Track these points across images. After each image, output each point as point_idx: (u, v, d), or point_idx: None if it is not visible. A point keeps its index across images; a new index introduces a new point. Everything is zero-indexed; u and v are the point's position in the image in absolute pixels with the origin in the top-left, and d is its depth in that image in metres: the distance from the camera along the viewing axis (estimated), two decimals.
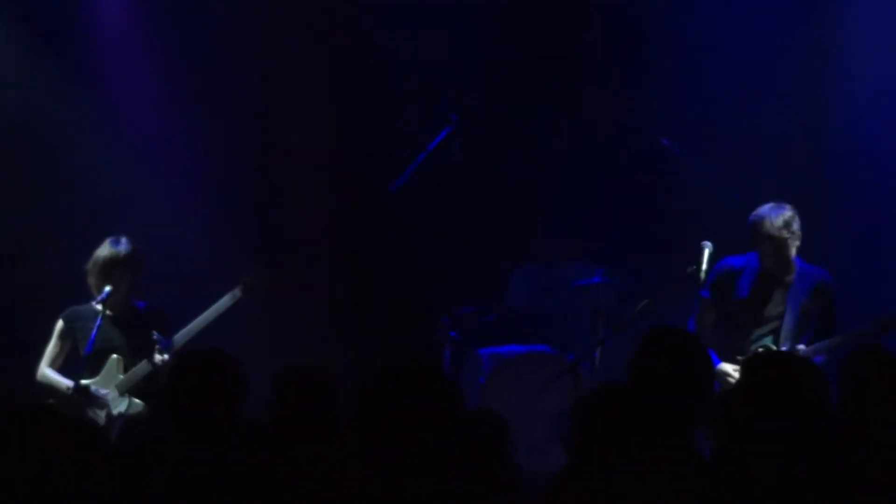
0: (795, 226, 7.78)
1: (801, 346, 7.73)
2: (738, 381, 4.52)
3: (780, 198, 8.03)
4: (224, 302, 7.92)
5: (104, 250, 7.89)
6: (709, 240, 8.06)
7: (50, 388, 7.94)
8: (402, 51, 10.24)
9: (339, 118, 10.52)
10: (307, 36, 10.38)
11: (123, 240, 7.92)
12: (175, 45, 10.20)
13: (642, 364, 4.62)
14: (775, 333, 7.85)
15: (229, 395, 4.94)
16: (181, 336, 7.83)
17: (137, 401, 7.84)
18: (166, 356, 7.76)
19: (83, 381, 7.79)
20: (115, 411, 7.82)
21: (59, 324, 8.01)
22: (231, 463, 4.53)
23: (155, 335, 7.78)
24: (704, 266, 7.96)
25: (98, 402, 7.82)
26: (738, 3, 10.08)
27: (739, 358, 7.77)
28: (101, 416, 7.81)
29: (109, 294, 7.79)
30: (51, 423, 3.89)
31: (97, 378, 7.89)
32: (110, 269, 7.85)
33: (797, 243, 7.81)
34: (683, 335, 4.83)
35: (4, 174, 9.96)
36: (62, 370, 7.97)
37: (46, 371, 8.00)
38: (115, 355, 7.88)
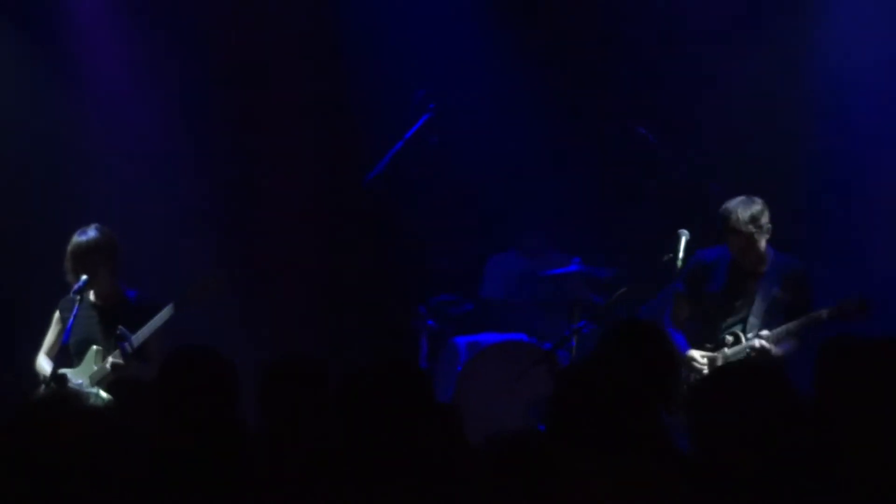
0: (764, 220, 7.79)
1: (765, 332, 7.77)
2: (699, 394, 4.51)
3: (757, 187, 8.06)
4: (168, 310, 7.81)
5: (72, 242, 7.89)
6: (685, 228, 8.10)
7: (39, 376, 7.97)
8: (380, 41, 10.24)
9: (315, 109, 10.52)
10: (285, 26, 10.37)
11: (91, 228, 7.91)
12: (159, 44, 10.18)
13: (605, 356, 4.65)
14: (744, 323, 7.89)
15: (220, 395, 4.92)
16: (141, 334, 7.77)
17: (104, 394, 7.81)
18: (112, 360, 7.73)
19: (61, 371, 7.80)
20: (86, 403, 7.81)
21: (56, 313, 8.04)
22: (216, 461, 4.53)
23: (119, 330, 7.75)
24: (681, 254, 8.00)
25: (71, 392, 7.81)
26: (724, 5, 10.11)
27: (708, 346, 7.83)
28: None
29: (86, 283, 7.79)
30: (63, 413, 3.89)
31: (78, 368, 7.90)
32: (80, 257, 7.83)
33: (766, 237, 7.82)
34: (647, 327, 4.85)
35: None
36: (58, 358, 7.97)
37: (39, 358, 8.05)
38: (94, 346, 7.88)
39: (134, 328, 7.75)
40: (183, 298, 7.79)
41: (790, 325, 7.71)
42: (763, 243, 7.81)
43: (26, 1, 10.00)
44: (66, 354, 7.94)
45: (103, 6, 10.14)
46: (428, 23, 10.33)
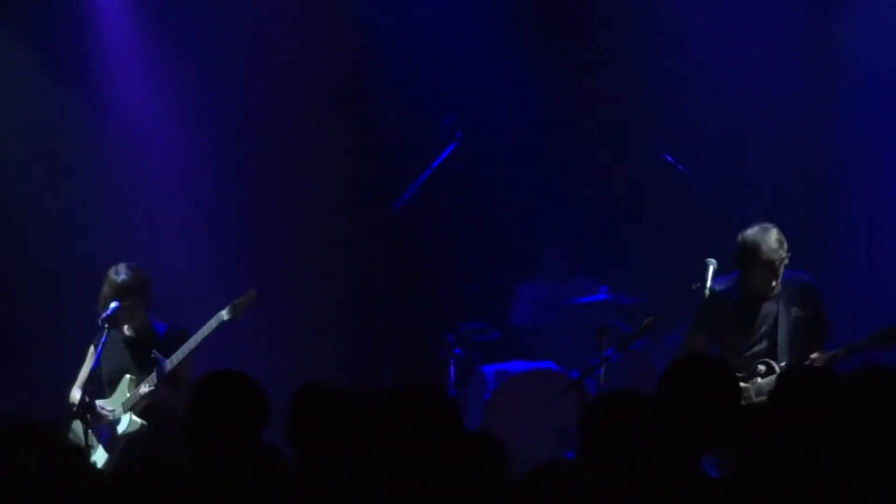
0: (785, 243, 7.78)
1: (815, 355, 7.70)
2: (773, 396, 4.52)
3: (785, 214, 8.05)
4: (211, 323, 7.90)
5: (106, 281, 7.97)
6: (713, 257, 8.07)
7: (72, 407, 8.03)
8: (410, 67, 10.26)
9: (344, 135, 10.55)
10: (314, 52, 10.41)
11: (122, 269, 7.99)
12: (181, 62, 10.22)
13: (671, 390, 4.62)
14: (771, 348, 7.84)
15: (251, 418, 4.91)
16: (175, 357, 7.84)
17: (137, 419, 7.88)
18: (145, 388, 7.78)
19: (90, 400, 7.83)
20: (118, 430, 7.89)
21: (91, 347, 8.09)
22: (246, 485, 4.53)
23: (153, 354, 7.81)
24: (709, 283, 7.95)
25: (103, 419, 7.88)
26: (743, 19, 10.11)
27: (739, 375, 7.79)
28: (108, 433, 7.87)
29: (115, 311, 7.84)
30: (27, 444, 3.94)
31: (111, 397, 7.96)
32: (113, 299, 7.90)
33: (787, 260, 7.81)
34: (714, 365, 4.83)
35: (10, 190, 9.99)
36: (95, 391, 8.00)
37: (73, 390, 8.10)
38: (128, 375, 7.94)
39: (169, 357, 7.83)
40: (232, 310, 7.84)
41: (838, 352, 7.62)
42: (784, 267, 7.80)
43: (53, 23, 10.03)
44: (99, 384, 7.96)
45: (124, 21, 10.18)
46: (453, 49, 10.36)
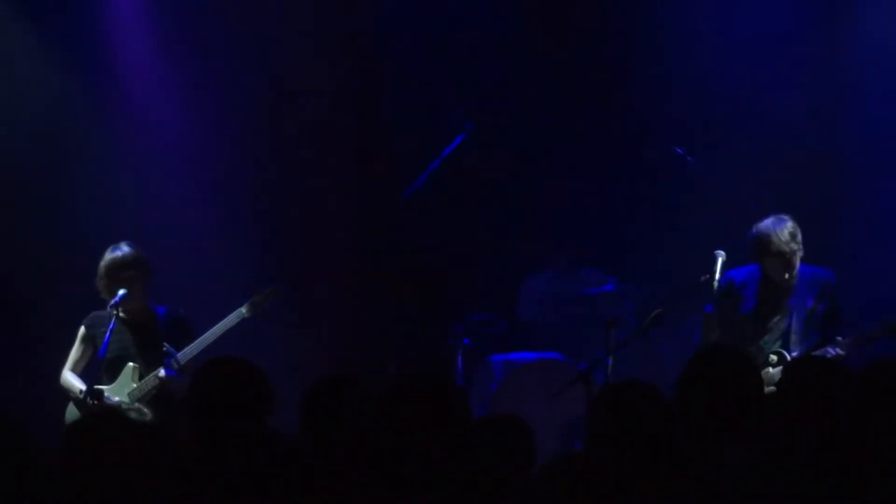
0: (799, 235, 7.84)
1: (839, 339, 7.71)
2: (780, 386, 4.54)
3: (794, 204, 8.07)
4: (231, 319, 7.88)
5: (104, 258, 7.91)
6: (722, 249, 8.08)
7: (68, 392, 7.97)
8: (419, 58, 10.26)
9: (352, 126, 10.54)
10: (322, 42, 10.41)
11: (123, 245, 7.94)
12: (190, 53, 10.21)
13: (694, 382, 4.62)
14: (784, 339, 7.88)
15: (254, 406, 4.91)
16: (189, 350, 7.81)
17: (146, 410, 7.83)
18: (164, 372, 7.76)
19: (97, 387, 7.81)
20: None
21: (81, 329, 8.06)
22: (251, 473, 4.53)
23: (165, 346, 7.78)
24: (717, 275, 7.98)
25: (114, 407, 7.85)
26: (752, 12, 10.10)
27: None
28: None
29: (123, 297, 7.81)
30: (117, 428, 3.95)
31: (113, 385, 7.91)
32: (113, 274, 7.86)
33: (801, 252, 7.85)
34: (737, 356, 4.84)
35: (18, 179, 9.98)
36: (85, 375, 7.97)
37: (66, 374, 8.04)
38: (131, 363, 7.89)
39: (172, 344, 7.79)
40: (251, 307, 7.84)
41: (851, 339, 7.66)
42: (798, 259, 7.84)
43: (62, 10, 10.02)
44: (92, 370, 7.94)
45: (135, 17, 10.16)
46: (463, 40, 10.36)
